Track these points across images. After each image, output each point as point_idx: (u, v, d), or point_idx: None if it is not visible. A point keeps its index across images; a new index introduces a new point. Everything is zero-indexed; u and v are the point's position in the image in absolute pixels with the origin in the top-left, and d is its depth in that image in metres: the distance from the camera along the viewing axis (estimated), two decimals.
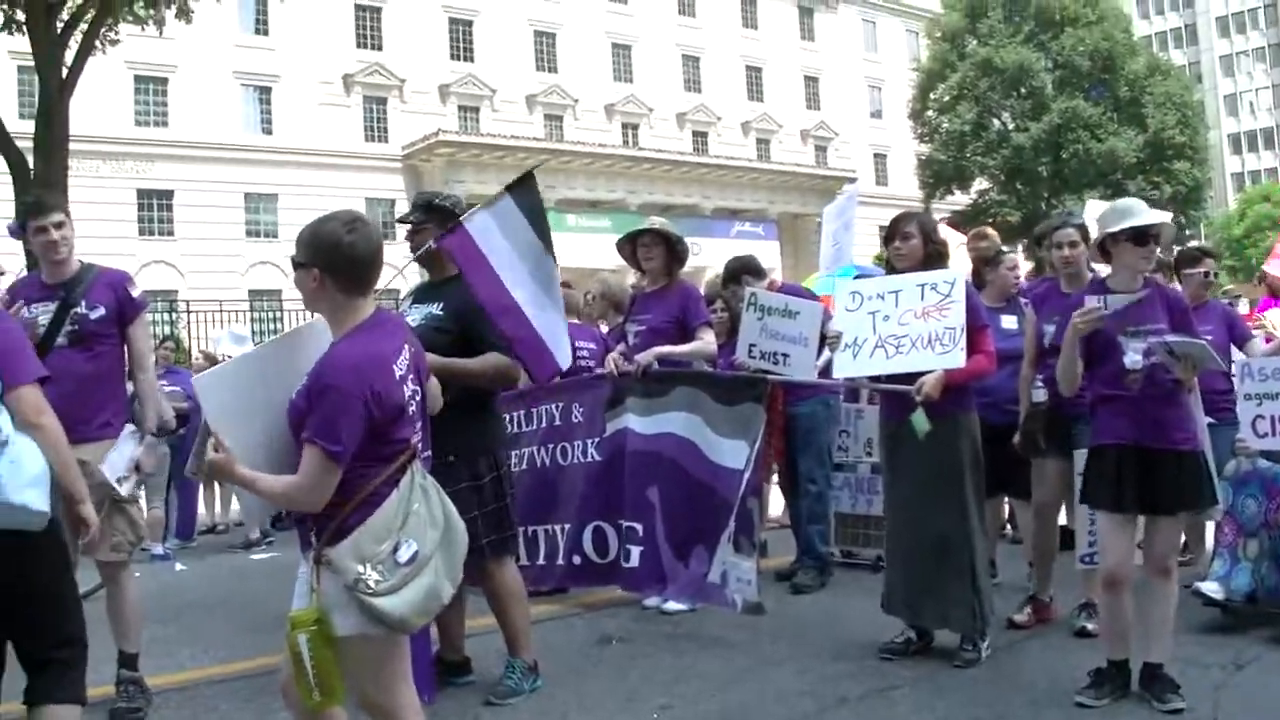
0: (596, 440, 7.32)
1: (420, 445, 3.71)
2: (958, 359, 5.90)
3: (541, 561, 7.13)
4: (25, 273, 6.58)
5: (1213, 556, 6.84)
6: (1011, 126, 49.62)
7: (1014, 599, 7.07)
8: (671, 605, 7.31)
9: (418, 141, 49.12)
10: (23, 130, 19.40)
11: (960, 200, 53.10)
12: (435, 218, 5.89)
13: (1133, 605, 5.34)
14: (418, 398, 3.70)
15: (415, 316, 5.68)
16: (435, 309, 5.68)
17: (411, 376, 3.65)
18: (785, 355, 6.88)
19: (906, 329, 6.09)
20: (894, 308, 6.17)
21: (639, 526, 7.12)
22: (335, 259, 3.57)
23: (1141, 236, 5.30)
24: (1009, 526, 9.07)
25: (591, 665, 6.34)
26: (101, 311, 5.74)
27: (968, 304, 6.02)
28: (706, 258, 38.59)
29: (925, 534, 6.10)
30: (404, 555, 3.41)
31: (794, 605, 7.60)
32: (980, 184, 52.13)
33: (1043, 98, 48.61)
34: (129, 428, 5.78)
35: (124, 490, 5.64)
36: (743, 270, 8.31)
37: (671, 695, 5.69)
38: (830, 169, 60.57)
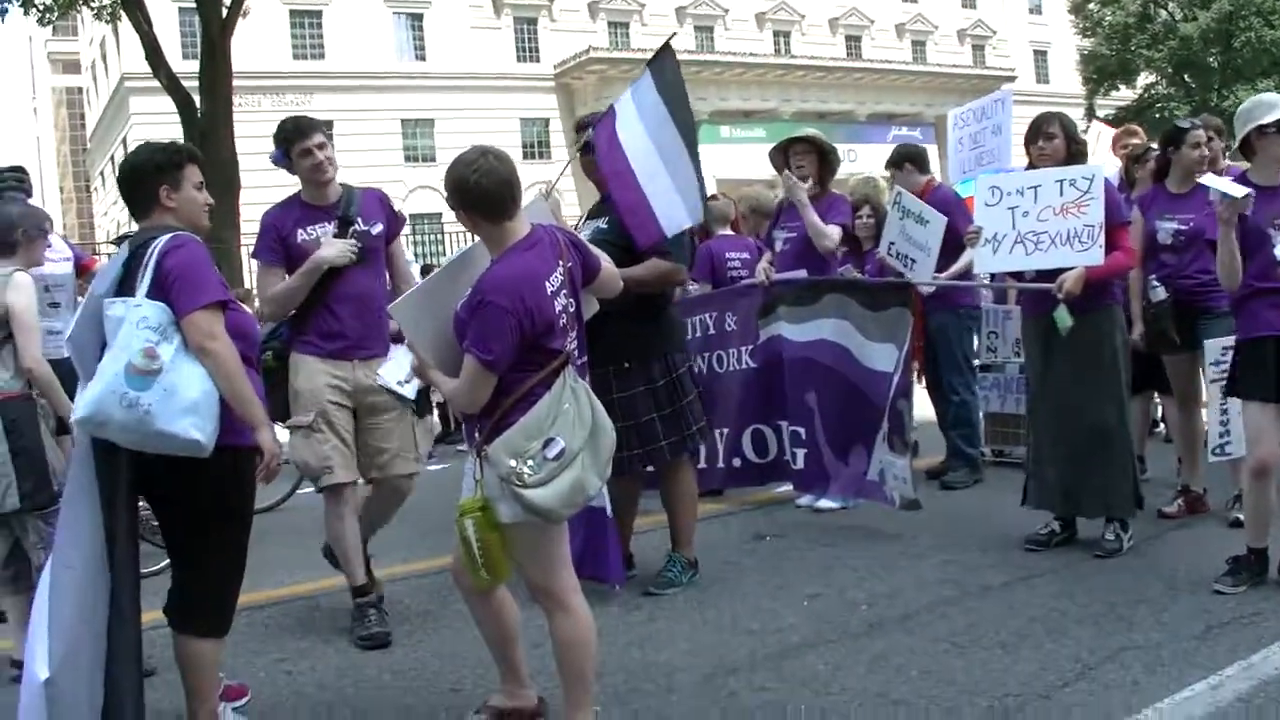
0: (751, 347, 7.56)
1: (575, 352, 3.99)
2: (1096, 256, 5.96)
3: (702, 464, 7.27)
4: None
5: None
6: (1179, 16, 47.40)
7: (1164, 494, 7.11)
8: (823, 503, 7.54)
9: (569, 60, 49.26)
10: (186, 70, 20.09)
11: (1125, 96, 51.12)
12: None
13: (1277, 494, 5.41)
14: (570, 310, 3.97)
15: (586, 232, 5.94)
16: (601, 223, 5.95)
17: (565, 291, 3.93)
18: (913, 260, 7.05)
19: (1045, 225, 6.14)
20: (1033, 203, 6.21)
21: (801, 430, 7.38)
22: (469, 198, 3.89)
23: None
24: (1160, 423, 9.07)
25: (746, 559, 6.62)
26: (380, 227, 5.63)
27: (1107, 200, 6.04)
28: (863, 164, 38.22)
29: (1084, 425, 6.15)
30: (552, 451, 3.69)
31: (943, 502, 7.74)
32: (1145, 78, 50.06)
33: None
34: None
35: (410, 392, 5.56)
36: (906, 158, 8.40)
37: (820, 585, 5.94)
38: (988, 68, 59.00)
